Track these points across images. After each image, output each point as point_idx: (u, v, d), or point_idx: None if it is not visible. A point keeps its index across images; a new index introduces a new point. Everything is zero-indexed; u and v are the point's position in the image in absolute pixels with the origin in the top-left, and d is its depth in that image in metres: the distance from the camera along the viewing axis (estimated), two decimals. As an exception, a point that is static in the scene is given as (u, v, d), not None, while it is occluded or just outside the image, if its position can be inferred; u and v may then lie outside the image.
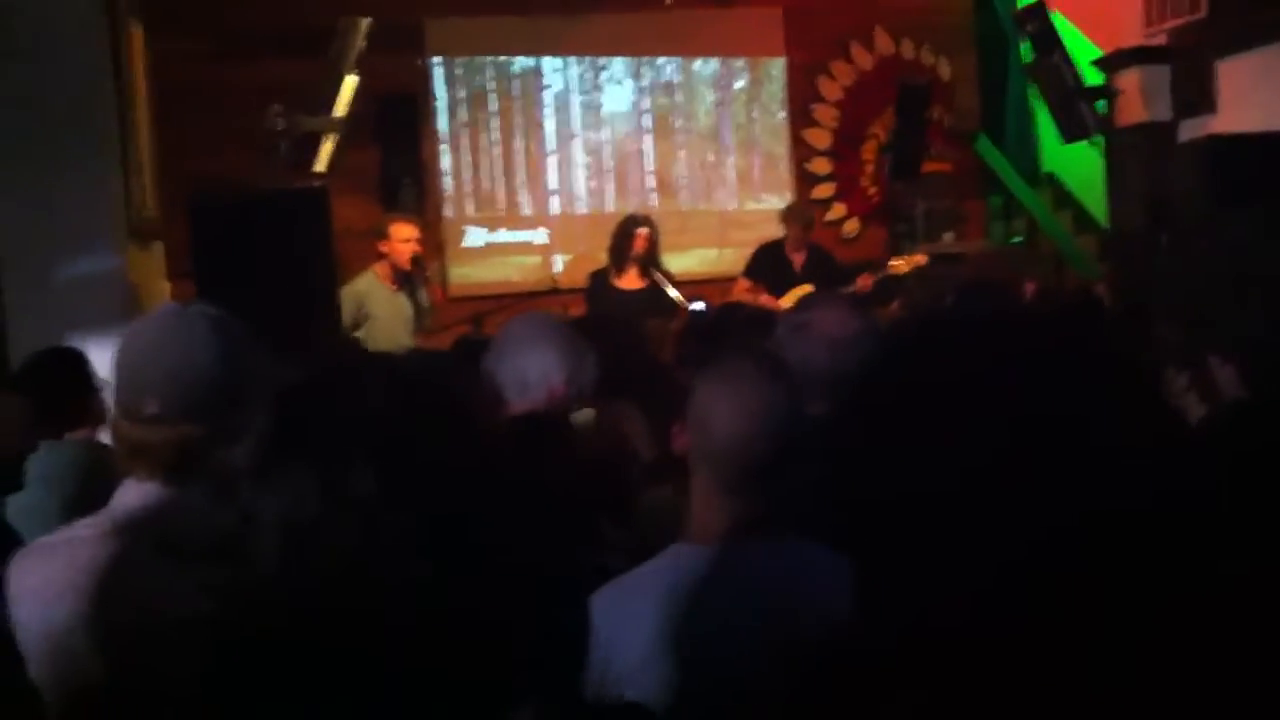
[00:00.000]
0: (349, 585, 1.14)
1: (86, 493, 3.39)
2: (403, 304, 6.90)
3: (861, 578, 1.27)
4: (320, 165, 6.58)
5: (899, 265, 8.03)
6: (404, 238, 6.84)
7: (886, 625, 1.20)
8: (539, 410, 2.79)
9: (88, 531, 1.98)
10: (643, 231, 7.59)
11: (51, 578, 1.95)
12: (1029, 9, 8.33)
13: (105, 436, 3.88)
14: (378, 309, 6.80)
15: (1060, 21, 8.16)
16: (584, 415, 3.37)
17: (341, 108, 6.54)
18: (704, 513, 2.06)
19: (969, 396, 1.88)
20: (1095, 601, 1.65)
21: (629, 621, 1.99)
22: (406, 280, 6.87)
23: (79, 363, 4.22)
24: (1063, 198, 10.09)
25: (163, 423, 1.97)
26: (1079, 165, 9.36)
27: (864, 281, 7.85)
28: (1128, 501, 1.86)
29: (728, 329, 4.13)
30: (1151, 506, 1.73)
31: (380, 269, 6.87)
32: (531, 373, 2.85)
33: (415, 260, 6.84)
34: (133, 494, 2.00)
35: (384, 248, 6.84)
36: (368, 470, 1.10)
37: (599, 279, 7.78)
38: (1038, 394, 1.79)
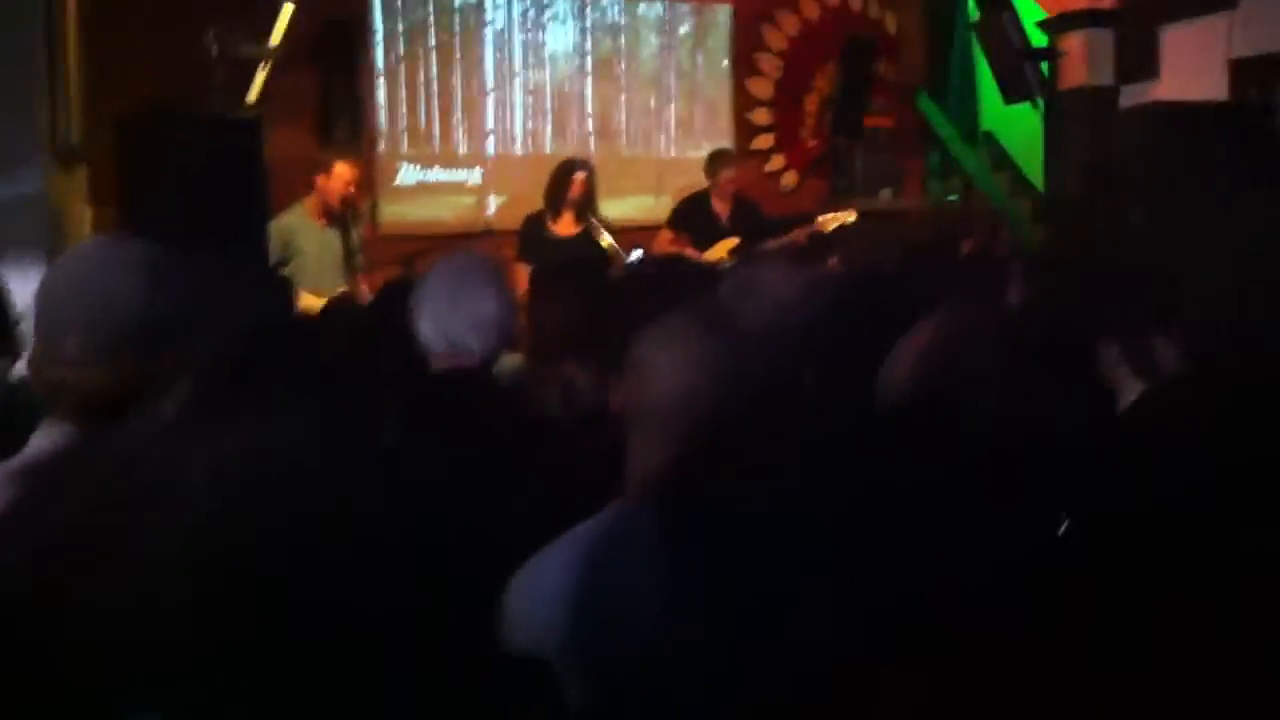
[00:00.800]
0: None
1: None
2: (332, 241, 6.75)
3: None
4: (254, 94, 6.42)
5: (826, 222, 7.94)
6: (345, 179, 6.69)
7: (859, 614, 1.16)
8: (471, 367, 2.69)
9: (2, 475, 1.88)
10: (580, 176, 7.46)
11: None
12: (978, -34, 8.30)
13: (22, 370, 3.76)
14: (306, 245, 6.64)
15: (1008, -19, 8.12)
16: (509, 363, 3.29)
17: (278, 36, 6.37)
18: (640, 471, 1.99)
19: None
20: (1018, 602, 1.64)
21: (545, 579, 1.92)
22: (337, 217, 6.73)
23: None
24: (1000, 158, 10.13)
25: (82, 363, 1.88)
26: (1017, 126, 9.38)
27: (798, 236, 7.79)
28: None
29: (668, 281, 4.06)
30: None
31: (310, 204, 6.72)
32: (463, 326, 2.75)
33: (345, 200, 6.69)
34: (47, 438, 1.91)
35: (321, 182, 6.68)
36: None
37: (533, 223, 7.65)
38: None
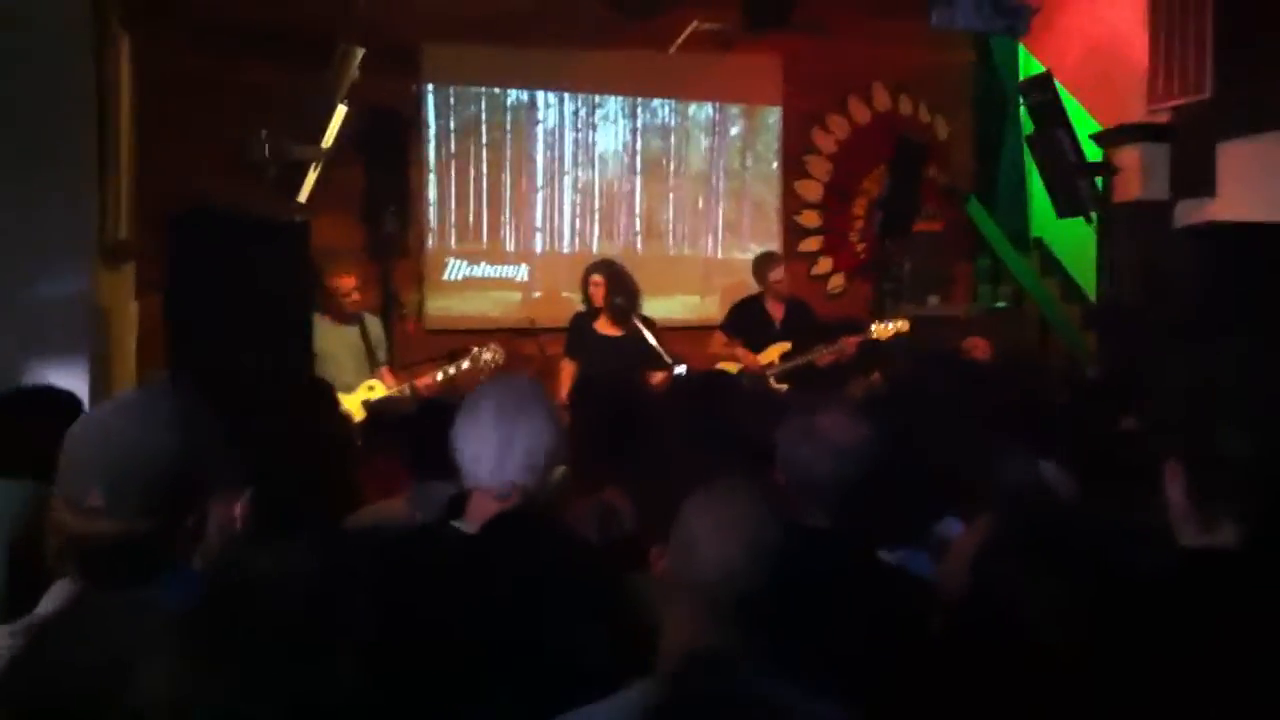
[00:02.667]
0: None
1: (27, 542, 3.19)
2: (349, 337, 6.77)
3: None
4: (304, 194, 6.44)
5: (881, 331, 7.87)
6: (344, 291, 6.73)
7: None
8: (519, 506, 2.60)
9: (3, 640, 1.81)
10: (595, 279, 7.49)
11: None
12: (1034, 79, 8.23)
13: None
14: (323, 345, 6.64)
15: (1061, 93, 8.07)
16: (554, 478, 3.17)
17: (330, 138, 6.41)
18: (678, 646, 1.90)
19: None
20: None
21: None
22: (353, 316, 6.76)
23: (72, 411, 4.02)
24: (1050, 264, 10.04)
25: (104, 517, 1.82)
26: (1068, 233, 9.30)
27: (848, 344, 7.71)
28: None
29: (715, 404, 3.98)
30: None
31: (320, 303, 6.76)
32: (512, 464, 2.64)
33: (352, 304, 6.75)
34: (60, 597, 1.84)
35: (328, 281, 6.72)
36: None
37: (582, 320, 7.66)
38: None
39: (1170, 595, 1.77)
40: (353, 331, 6.75)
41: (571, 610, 2.24)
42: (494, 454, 2.65)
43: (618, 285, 7.47)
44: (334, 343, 6.72)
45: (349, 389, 6.44)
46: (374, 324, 6.93)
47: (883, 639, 2.08)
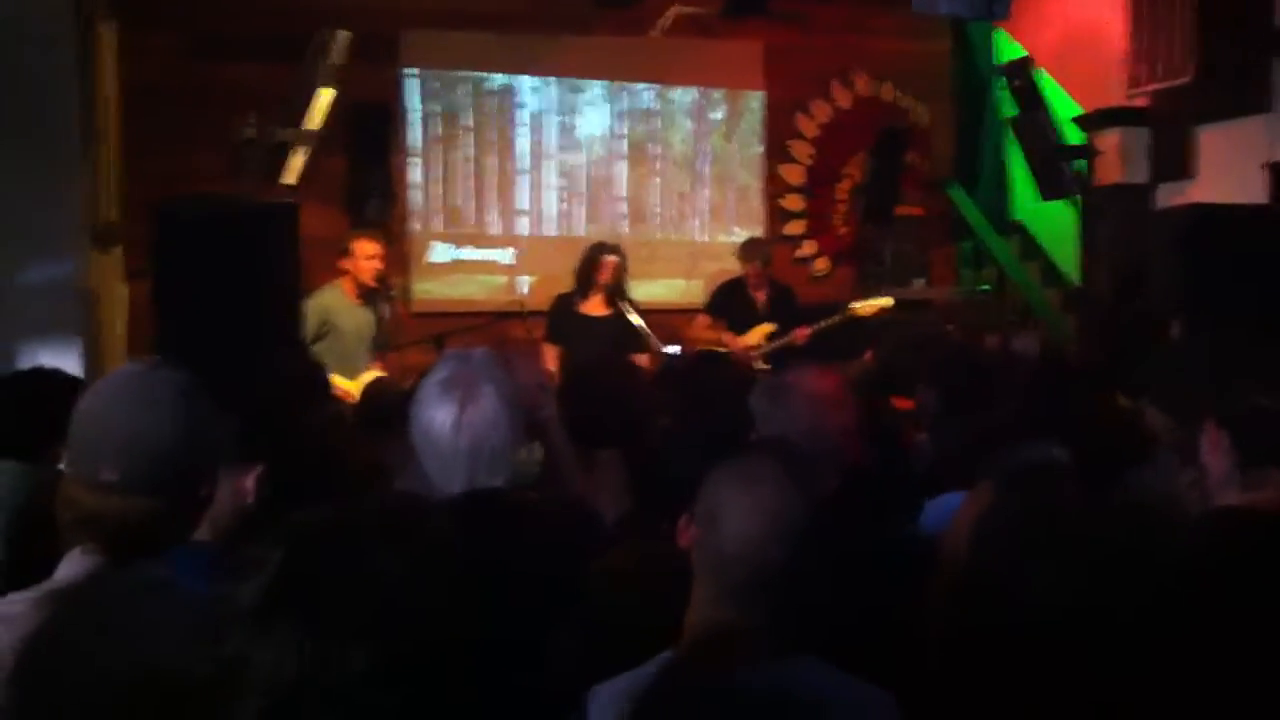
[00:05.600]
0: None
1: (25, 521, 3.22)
2: (366, 318, 6.82)
3: None
4: (290, 177, 6.45)
5: (864, 308, 7.92)
6: (368, 255, 6.77)
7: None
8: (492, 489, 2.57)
9: (20, 607, 1.84)
10: (611, 259, 7.50)
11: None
12: (1014, 64, 8.30)
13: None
14: (342, 322, 6.76)
15: (1043, 77, 8.13)
16: (528, 455, 3.11)
17: (315, 121, 6.42)
18: (701, 621, 1.93)
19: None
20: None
21: None
22: (371, 295, 6.78)
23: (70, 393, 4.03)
24: (1030, 248, 10.10)
25: (119, 492, 1.85)
26: (1048, 217, 9.35)
27: (802, 333, 7.72)
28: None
29: (705, 382, 4.02)
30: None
31: (345, 283, 6.83)
32: (480, 468, 2.50)
33: (380, 278, 6.74)
34: (77, 567, 1.87)
35: (347, 264, 6.78)
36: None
37: (563, 303, 7.68)
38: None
39: (1182, 569, 1.81)
40: (367, 313, 6.79)
41: (534, 598, 2.25)
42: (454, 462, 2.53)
43: (625, 266, 7.53)
44: (349, 320, 6.77)
45: (351, 371, 6.47)
46: (386, 308, 6.94)
47: (897, 611, 2.12)
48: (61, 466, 2.05)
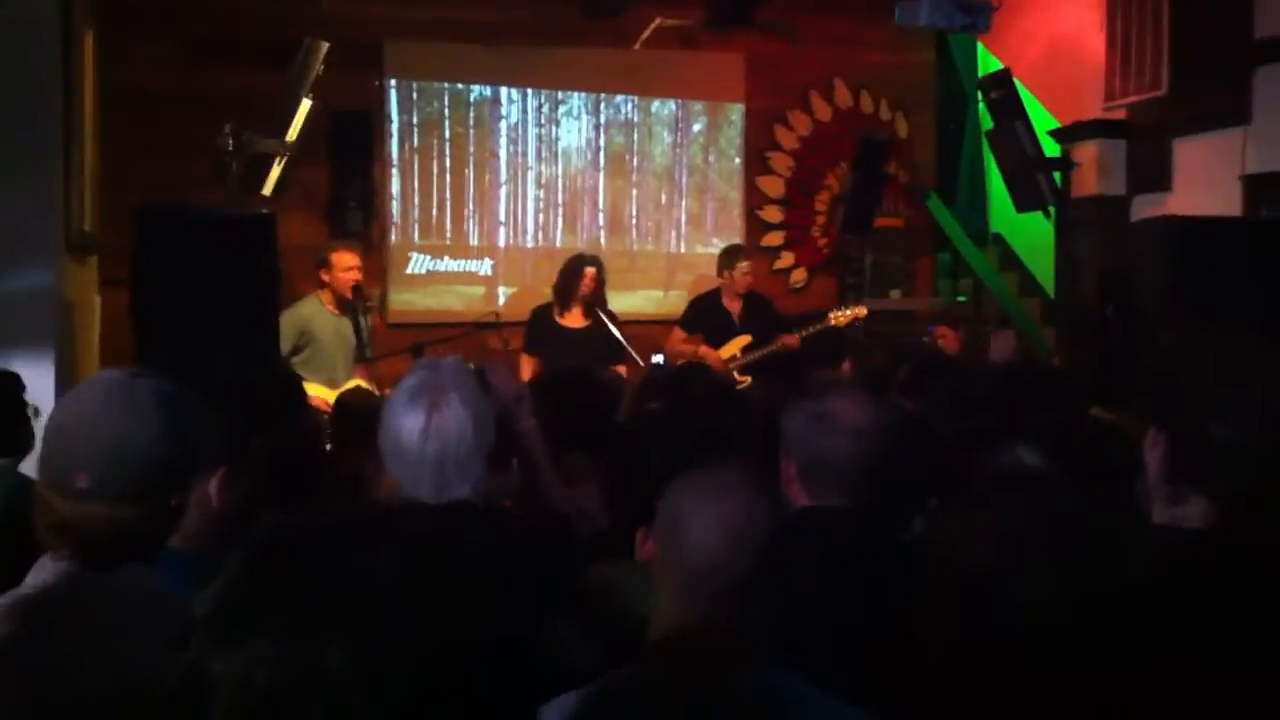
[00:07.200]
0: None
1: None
2: (345, 329, 6.80)
3: None
4: (269, 188, 6.44)
5: (839, 318, 7.94)
6: (346, 266, 6.77)
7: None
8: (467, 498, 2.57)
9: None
10: (590, 271, 7.53)
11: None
12: (993, 76, 8.33)
13: (26, 468, 3.71)
14: (321, 334, 6.76)
15: (1020, 90, 8.17)
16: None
17: (294, 131, 6.40)
18: (663, 631, 1.91)
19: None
20: None
21: None
22: (349, 306, 6.76)
23: (11, 388, 4.03)
24: (1009, 259, 10.15)
25: (93, 500, 1.84)
26: (1026, 229, 9.40)
27: (792, 339, 7.72)
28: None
29: (689, 394, 4.02)
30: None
31: (324, 294, 6.82)
32: (449, 475, 2.52)
33: (356, 288, 6.72)
34: (49, 573, 1.86)
35: (325, 276, 6.78)
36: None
37: (542, 314, 7.70)
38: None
39: (1148, 578, 1.81)
40: (346, 324, 6.77)
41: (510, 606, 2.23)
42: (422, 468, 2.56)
43: (604, 278, 7.54)
44: (328, 331, 6.77)
45: (331, 382, 6.46)
46: (368, 320, 6.92)
47: (892, 618, 2.11)
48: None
